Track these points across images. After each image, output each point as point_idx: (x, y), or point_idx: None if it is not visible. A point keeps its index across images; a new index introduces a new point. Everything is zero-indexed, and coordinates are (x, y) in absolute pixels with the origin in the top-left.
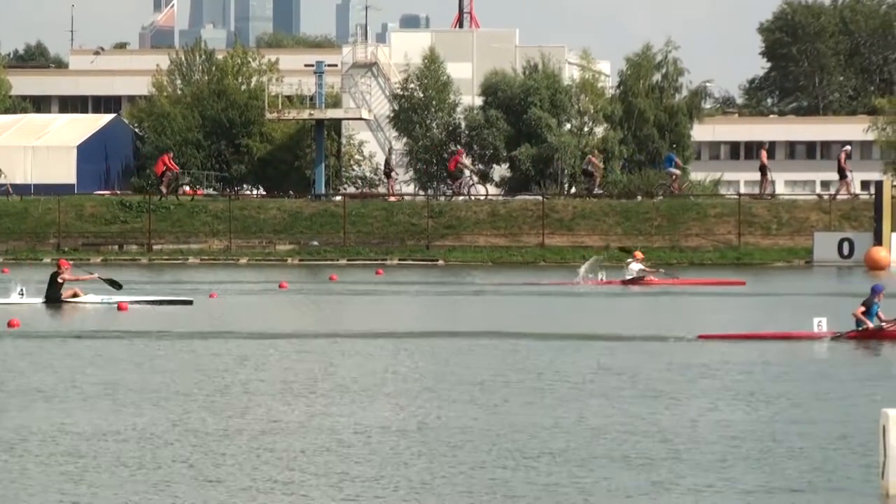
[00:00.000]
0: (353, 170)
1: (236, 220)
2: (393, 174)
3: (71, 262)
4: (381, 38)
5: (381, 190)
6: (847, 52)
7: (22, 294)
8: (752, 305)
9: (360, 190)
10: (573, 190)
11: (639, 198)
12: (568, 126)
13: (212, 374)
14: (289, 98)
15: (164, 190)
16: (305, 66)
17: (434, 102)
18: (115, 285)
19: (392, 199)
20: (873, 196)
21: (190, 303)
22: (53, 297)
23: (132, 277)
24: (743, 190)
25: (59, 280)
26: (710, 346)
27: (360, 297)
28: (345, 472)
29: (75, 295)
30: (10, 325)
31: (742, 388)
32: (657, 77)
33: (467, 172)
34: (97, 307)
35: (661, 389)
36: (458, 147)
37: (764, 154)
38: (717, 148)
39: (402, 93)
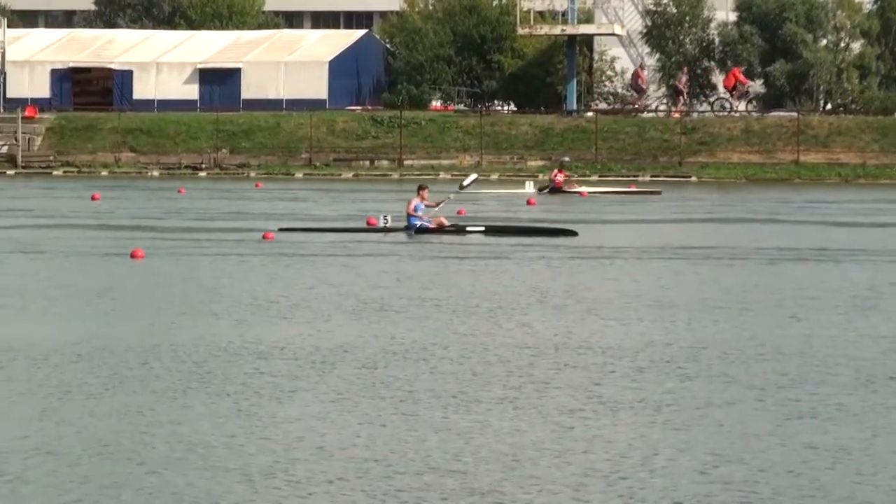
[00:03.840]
0: (605, 86)
1: (487, 135)
2: (643, 89)
3: None
4: None
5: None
6: None
7: None
8: None
9: (612, 106)
10: (829, 106)
11: None
12: (824, 42)
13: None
14: (541, 14)
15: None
16: None
17: (687, 18)
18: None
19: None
20: None
21: None
22: None
23: None
24: None
25: None
26: None
27: None
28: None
29: None
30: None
31: None
32: None
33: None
34: None
35: None
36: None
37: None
38: None
39: (655, 8)
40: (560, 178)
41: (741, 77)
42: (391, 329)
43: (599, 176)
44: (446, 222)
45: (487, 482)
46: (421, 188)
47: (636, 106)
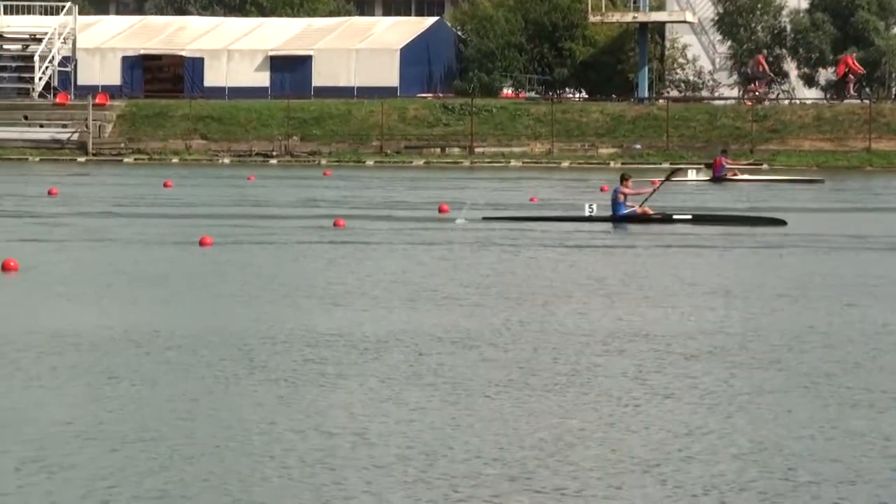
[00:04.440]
0: (677, 73)
1: (558, 123)
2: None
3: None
4: None
5: (705, 93)
6: None
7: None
8: None
9: (683, 94)
10: None
11: None
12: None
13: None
14: (612, 1)
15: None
16: None
17: (759, 5)
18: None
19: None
20: None
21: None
22: None
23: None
24: None
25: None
26: None
27: None
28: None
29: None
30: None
31: None
32: None
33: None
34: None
35: None
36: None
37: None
38: None
39: None
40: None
41: (855, 65)
42: (450, 317)
43: (671, 163)
44: (651, 211)
45: (532, 469)
46: (624, 177)
47: (758, 93)
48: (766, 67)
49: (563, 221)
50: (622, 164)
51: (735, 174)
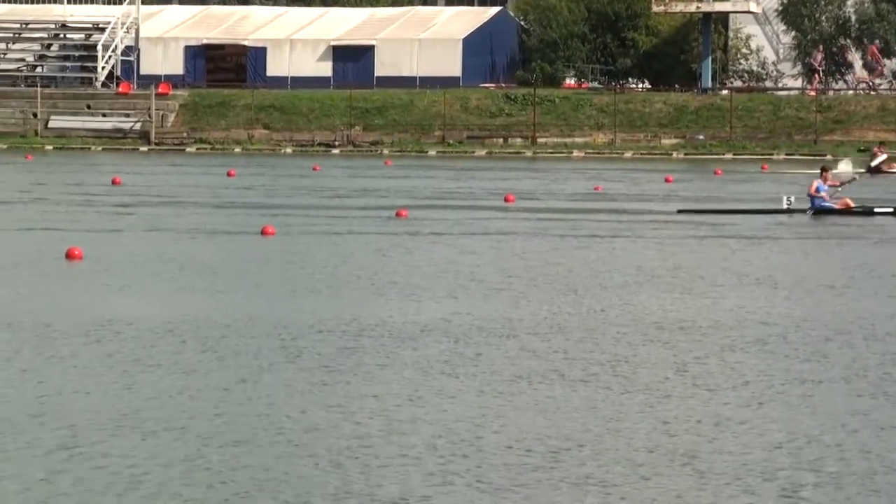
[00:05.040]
0: (741, 63)
1: (621, 113)
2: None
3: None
4: None
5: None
6: None
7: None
8: None
9: (746, 84)
10: None
11: None
12: None
13: None
14: None
15: None
16: None
17: None
18: None
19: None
20: None
21: None
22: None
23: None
24: None
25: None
26: None
27: None
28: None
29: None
30: None
31: None
32: None
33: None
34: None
35: None
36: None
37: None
38: None
39: None
40: (880, 157)
41: None
42: (506, 306)
43: (734, 154)
44: (852, 204)
45: (569, 459)
46: (823, 169)
47: (871, 83)
48: (880, 58)
49: (761, 214)
50: (685, 154)
51: (890, 166)
